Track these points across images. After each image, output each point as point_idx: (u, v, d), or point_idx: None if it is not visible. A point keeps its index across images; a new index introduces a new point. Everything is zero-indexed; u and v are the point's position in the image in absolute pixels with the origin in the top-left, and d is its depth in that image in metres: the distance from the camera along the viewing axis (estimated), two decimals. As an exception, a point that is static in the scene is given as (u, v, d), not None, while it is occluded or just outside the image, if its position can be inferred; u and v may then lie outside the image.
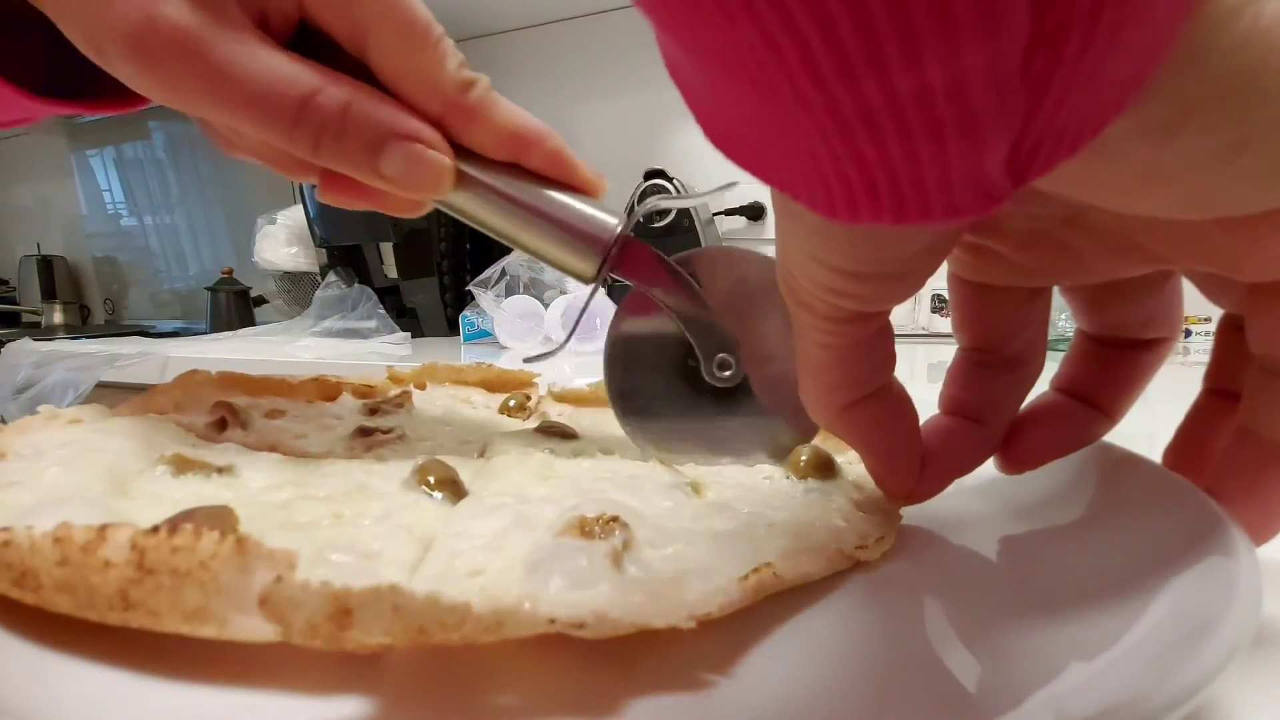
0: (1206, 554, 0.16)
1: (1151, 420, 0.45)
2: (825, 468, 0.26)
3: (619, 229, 0.25)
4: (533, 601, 0.15)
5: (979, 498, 0.25)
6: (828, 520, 0.22)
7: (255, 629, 0.14)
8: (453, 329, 1.13)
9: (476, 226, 0.26)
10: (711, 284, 0.27)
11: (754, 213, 1.25)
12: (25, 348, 0.99)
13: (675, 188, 1.10)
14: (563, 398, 0.40)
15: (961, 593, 0.19)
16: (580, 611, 0.14)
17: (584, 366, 0.70)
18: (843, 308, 0.17)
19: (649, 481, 0.25)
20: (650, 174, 1.12)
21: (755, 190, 1.26)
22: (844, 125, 0.10)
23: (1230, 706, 0.14)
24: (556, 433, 0.31)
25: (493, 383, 0.42)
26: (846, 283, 0.16)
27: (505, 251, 0.97)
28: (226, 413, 0.29)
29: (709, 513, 0.22)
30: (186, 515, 0.17)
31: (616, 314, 0.29)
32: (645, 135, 1.34)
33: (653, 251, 0.26)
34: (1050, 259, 0.17)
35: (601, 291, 0.28)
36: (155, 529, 0.14)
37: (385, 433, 0.30)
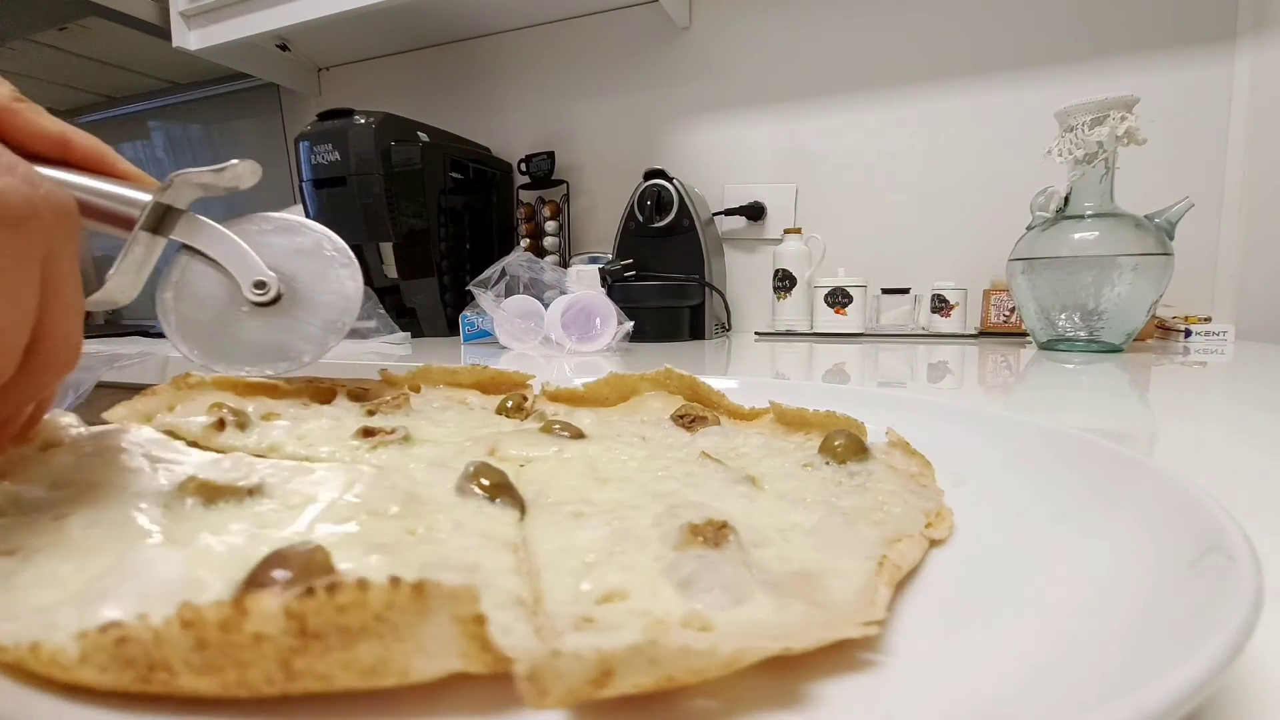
0: (1206, 554, 0.16)
1: (1152, 420, 0.46)
2: (860, 449, 0.27)
3: (150, 201, 0.33)
4: (702, 621, 0.15)
5: (978, 497, 0.25)
6: (888, 503, 0.22)
7: (439, 667, 0.13)
8: (452, 329, 1.13)
9: None
10: (253, 235, 0.38)
11: (754, 213, 1.25)
12: (25, 348, 0.99)
13: (675, 187, 1.10)
14: (557, 397, 0.40)
15: (960, 592, 0.19)
16: (754, 627, 0.15)
17: (582, 366, 0.70)
18: None
19: (709, 478, 0.25)
20: (650, 174, 1.12)
21: (759, 190, 1.26)
22: None
23: (1231, 706, 0.14)
24: (563, 432, 0.31)
25: (487, 384, 0.42)
26: None
27: (505, 251, 0.97)
28: (225, 414, 0.30)
29: (782, 507, 0.23)
30: (278, 561, 0.15)
31: (167, 268, 0.37)
32: (645, 135, 1.34)
33: (191, 215, 0.36)
34: None
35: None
36: (311, 590, 0.12)
37: (389, 433, 0.30)
